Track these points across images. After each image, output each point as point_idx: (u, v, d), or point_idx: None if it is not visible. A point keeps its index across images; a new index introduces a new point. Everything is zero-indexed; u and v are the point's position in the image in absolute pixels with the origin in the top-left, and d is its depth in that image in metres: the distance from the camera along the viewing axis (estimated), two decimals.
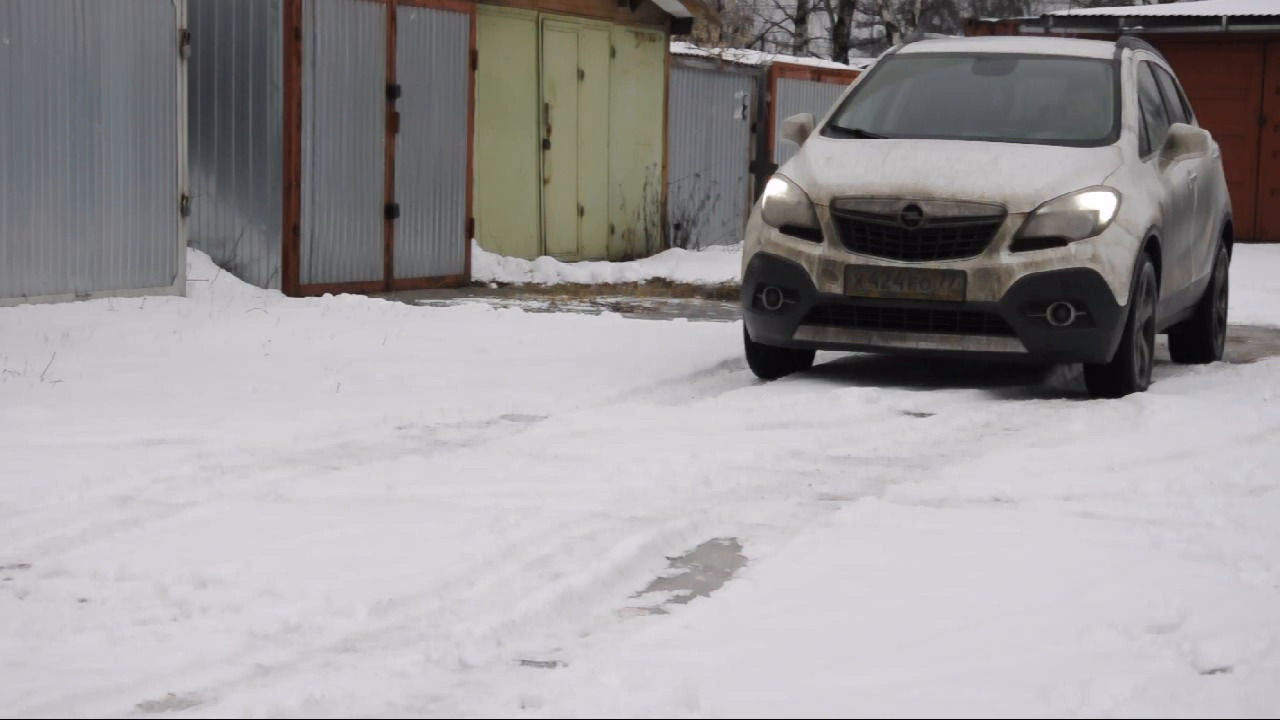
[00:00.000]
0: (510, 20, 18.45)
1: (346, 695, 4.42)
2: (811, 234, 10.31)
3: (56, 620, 5.04)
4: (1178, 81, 12.70)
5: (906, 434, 8.86)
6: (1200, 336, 12.33)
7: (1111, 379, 10.27)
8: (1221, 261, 12.69)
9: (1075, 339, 10.04)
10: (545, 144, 19.08)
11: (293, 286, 14.95)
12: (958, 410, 9.59)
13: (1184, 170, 11.54)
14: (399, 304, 14.25)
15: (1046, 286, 9.98)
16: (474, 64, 17.15)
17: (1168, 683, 4.56)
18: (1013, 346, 10.06)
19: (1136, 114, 11.03)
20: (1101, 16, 25.58)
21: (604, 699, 4.38)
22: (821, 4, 44.07)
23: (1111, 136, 10.79)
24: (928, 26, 43.27)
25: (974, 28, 28.41)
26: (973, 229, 10.05)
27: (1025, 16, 34.91)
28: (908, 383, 10.36)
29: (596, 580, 5.59)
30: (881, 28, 43.65)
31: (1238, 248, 22.61)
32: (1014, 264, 9.99)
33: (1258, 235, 23.87)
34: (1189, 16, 24.67)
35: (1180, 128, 11.31)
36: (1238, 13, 24.31)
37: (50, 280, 12.92)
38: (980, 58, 11.80)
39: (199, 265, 14.56)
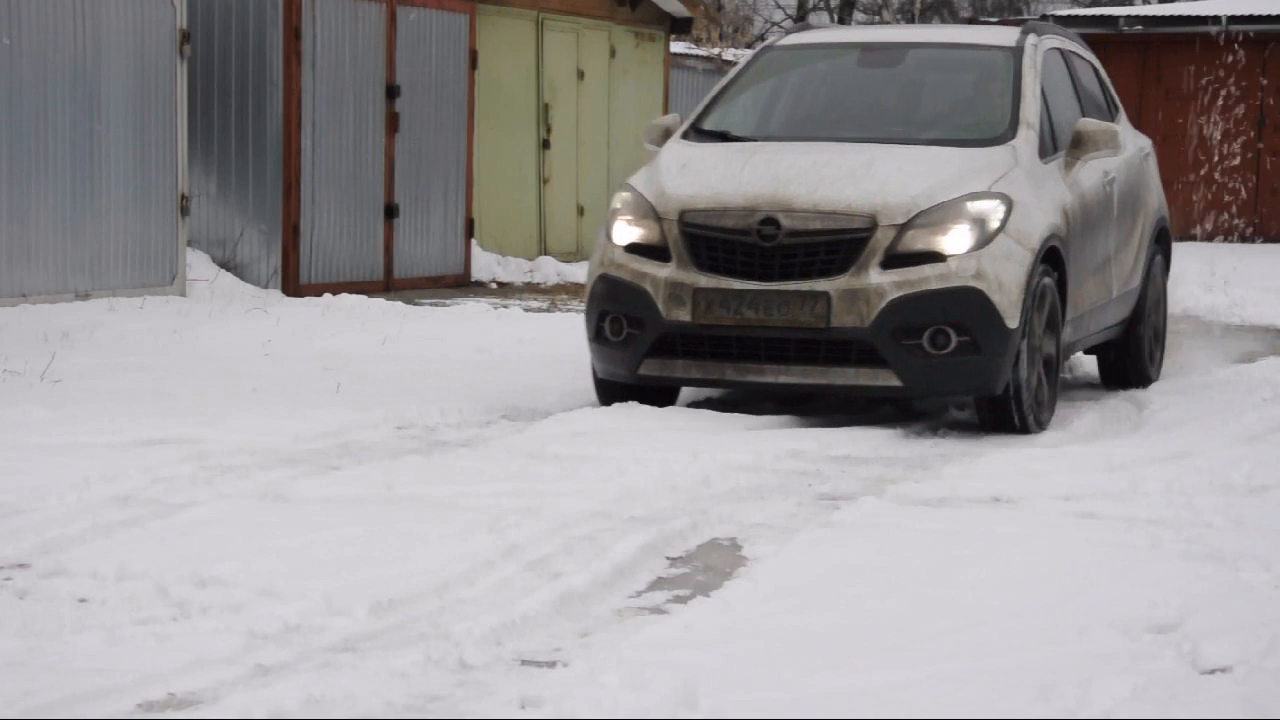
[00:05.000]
0: (510, 20, 18.45)
1: (346, 695, 4.42)
2: (659, 253, 9.06)
3: (56, 620, 5.03)
4: (1102, 72, 11.48)
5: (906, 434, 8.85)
6: (1130, 358, 11.07)
7: (1003, 413, 8.95)
8: (1156, 272, 11.39)
9: (958, 369, 8.74)
10: (545, 144, 19.09)
11: (293, 286, 14.96)
12: (958, 410, 9.59)
13: (1098, 171, 10.22)
14: (399, 304, 14.25)
15: (923, 309, 8.69)
16: (474, 64, 17.16)
17: (1168, 683, 4.56)
18: (885, 379, 8.76)
19: (1038, 109, 9.66)
20: (1102, 16, 25.59)
21: (604, 699, 4.38)
22: (821, 4, 44.06)
23: (1007, 135, 9.44)
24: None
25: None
26: (838, 244, 8.78)
27: (1025, 16, 34.92)
28: None
29: (596, 580, 5.60)
30: None
31: (1238, 248, 22.68)
32: (885, 283, 8.71)
33: (1258, 235, 23.87)
34: (1189, 16, 24.68)
35: (1086, 123, 9.90)
36: (1238, 13, 24.32)
37: (50, 280, 12.92)
38: (866, 48, 10.43)
39: (199, 265, 14.56)
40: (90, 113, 13.23)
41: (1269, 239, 23.75)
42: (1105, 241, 10.27)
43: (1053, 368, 9.28)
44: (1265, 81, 24.30)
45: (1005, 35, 10.28)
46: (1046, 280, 9.12)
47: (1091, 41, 25.27)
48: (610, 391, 9.34)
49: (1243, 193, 23.70)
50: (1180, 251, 20.91)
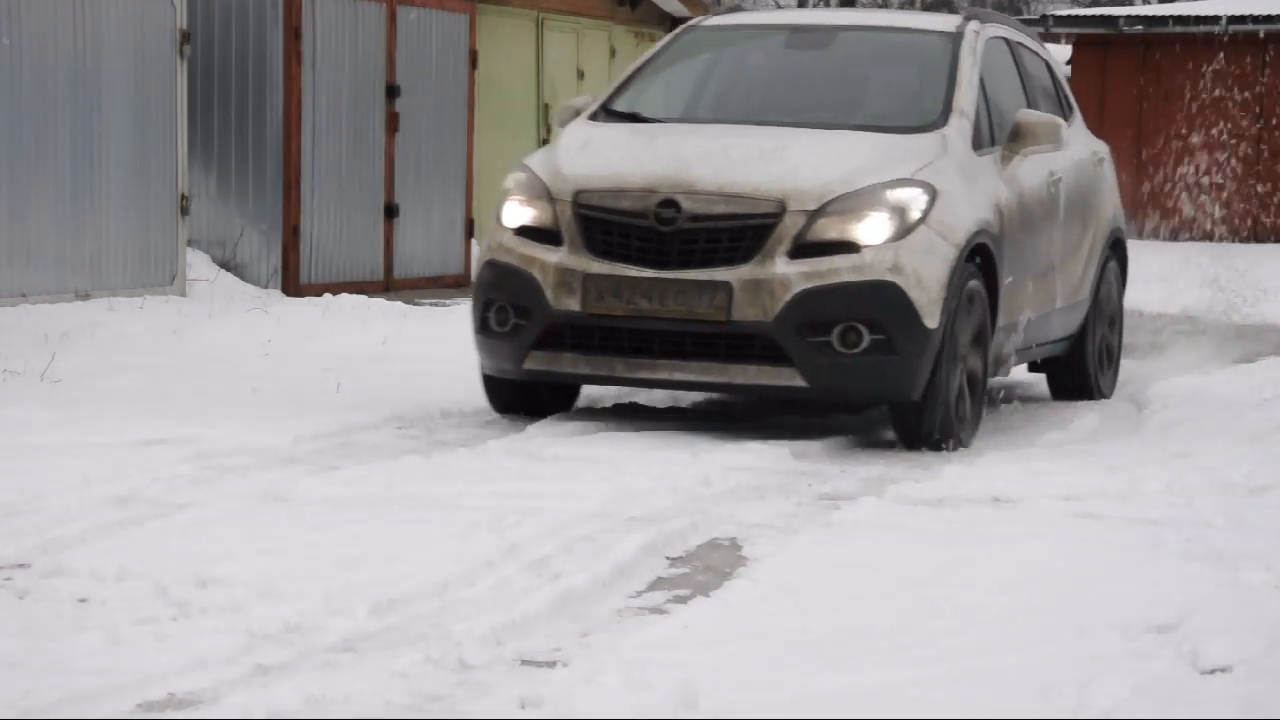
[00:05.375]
0: (510, 20, 18.46)
1: (346, 695, 4.42)
2: (550, 237, 8.40)
3: (56, 620, 5.03)
4: (1057, 68, 10.75)
5: None
6: (1078, 374, 10.48)
7: (920, 423, 8.25)
8: (1110, 284, 10.72)
9: (870, 370, 8.05)
10: (545, 144, 19.08)
11: (293, 286, 14.95)
12: None
13: (1042, 170, 9.49)
14: (399, 304, 14.25)
15: (833, 303, 8.02)
16: (474, 64, 17.16)
17: (1168, 683, 4.56)
18: (789, 379, 8.07)
19: (974, 97, 8.94)
20: (1102, 16, 25.60)
21: (604, 699, 4.38)
22: (821, 4, 44.04)
23: (938, 122, 8.73)
24: None
25: None
26: (743, 230, 8.09)
27: (1025, 16, 34.94)
28: None
29: (596, 580, 5.60)
30: None
31: (1238, 248, 22.57)
32: (792, 274, 8.02)
33: (1258, 235, 23.86)
34: (1189, 16, 24.68)
35: (1027, 114, 9.18)
36: (1238, 13, 24.32)
37: (50, 280, 12.91)
38: (795, 30, 9.77)
39: (199, 265, 14.56)
40: (90, 113, 13.22)
41: (1269, 239, 23.75)
42: (1048, 246, 9.56)
43: (979, 378, 8.58)
44: (1265, 81, 24.31)
45: (945, 21, 9.63)
46: (974, 282, 8.41)
47: (1091, 41, 25.32)
48: (499, 392, 8.79)
49: (1243, 192, 23.69)
50: (1180, 251, 20.82)
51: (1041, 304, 9.52)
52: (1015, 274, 8.94)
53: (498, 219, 8.64)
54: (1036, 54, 10.33)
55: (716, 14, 10.10)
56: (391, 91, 16.08)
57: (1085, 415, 9.61)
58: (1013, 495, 7.13)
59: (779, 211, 8.08)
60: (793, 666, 4.70)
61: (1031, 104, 9.75)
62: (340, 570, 5.61)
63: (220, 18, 14.98)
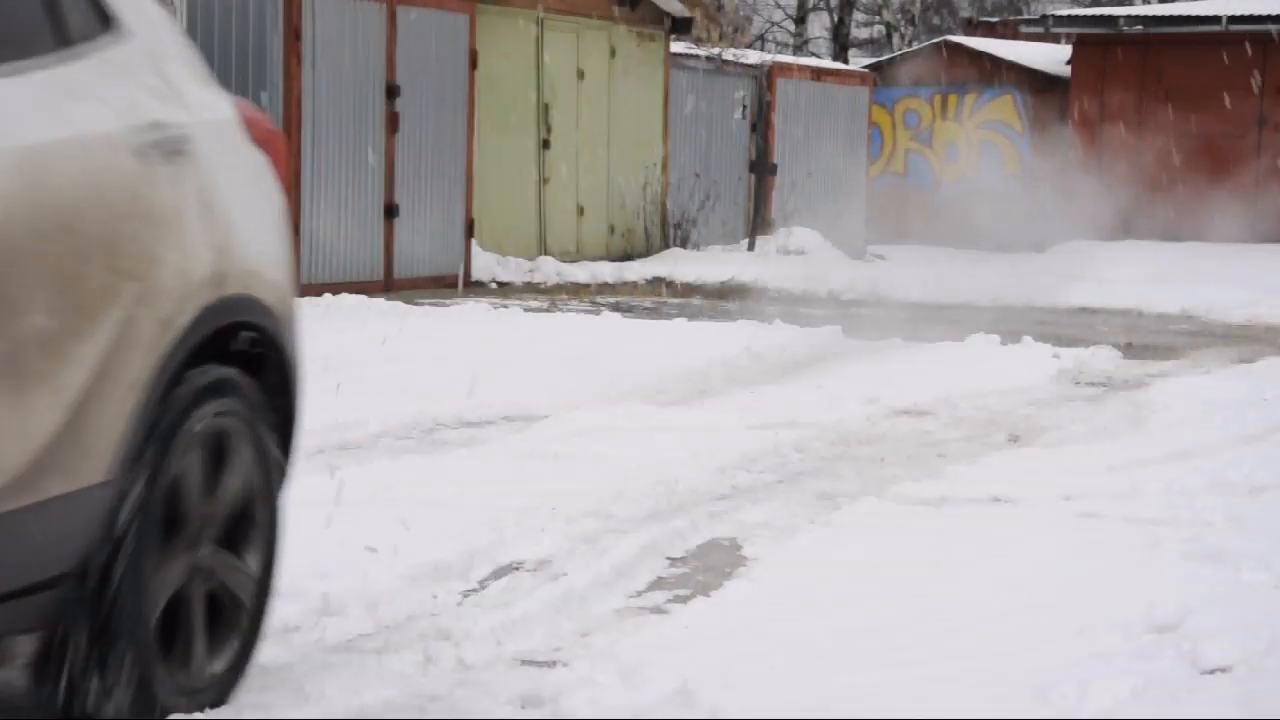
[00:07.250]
0: (510, 20, 18.45)
1: (346, 695, 4.42)
2: None
3: None
4: None
5: (906, 434, 8.85)
6: (85, 665, 3.86)
7: None
8: (226, 438, 4.63)
9: None
10: (545, 144, 19.08)
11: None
12: (957, 410, 9.58)
13: None
14: (399, 304, 14.24)
15: None
16: (474, 64, 17.15)
17: (1168, 683, 4.55)
18: None
19: None
20: (1102, 16, 25.60)
21: (603, 698, 4.37)
22: (821, 4, 44.07)
23: None
24: (928, 26, 43.28)
25: (975, 29, 28.44)
26: None
27: (1026, 16, 34.96)
28: (906, 382, 10.35)
29: (596, 580, 5.59)
30: (881, 28, 43.70)
31: (1238, 249, 22.57)
32: None
33: (1257, 236, 23.86)
34: (1189, 16, 24.68)
35: None
36: (1238, 13, 24.32)
37: None
38: None
39: None
40: None
41: (1268, 239, 23.75)
42: None
43: None
44: (1265, 81, 24.31)
45: None
46: None
47: (1091, 41, 25.33)
48: None
49: (1242, 192, 23.69)
50: (1180, 252, 20.80)
51: None
52: None
53: None
54: None
55: None
56: (391, 91, 16.09)
57: (1085, 415, 9.60)
58: (1013, 495, 7.13)
59: None
60: (792, 666, 4.70)
61: None
62: (340, 570, 5.60)
63: (220, 18, 14.98)
